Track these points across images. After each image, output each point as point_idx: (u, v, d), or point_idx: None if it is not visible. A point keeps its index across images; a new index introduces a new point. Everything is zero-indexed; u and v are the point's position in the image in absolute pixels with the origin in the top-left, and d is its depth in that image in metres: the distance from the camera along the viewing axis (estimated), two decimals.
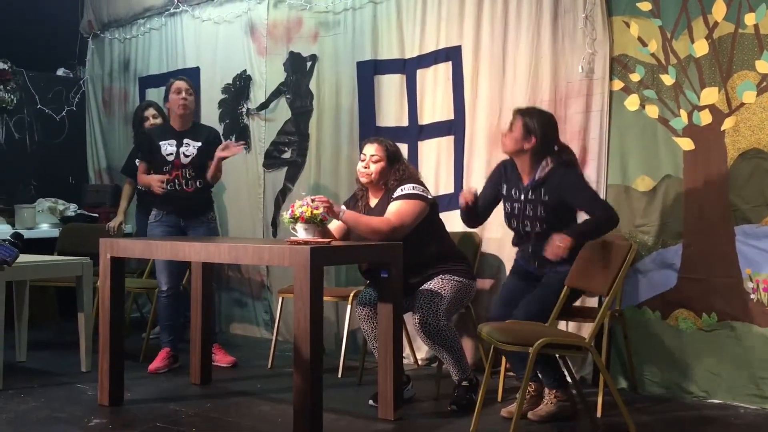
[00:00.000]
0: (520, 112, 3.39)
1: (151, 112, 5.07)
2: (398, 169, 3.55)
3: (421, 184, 3.55)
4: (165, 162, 4.25)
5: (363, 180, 3.59)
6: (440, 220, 3.65)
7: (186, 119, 4.31)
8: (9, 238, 2.66)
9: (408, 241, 3.35)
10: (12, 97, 5.89)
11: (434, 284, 3.45)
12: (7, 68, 5.84)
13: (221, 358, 4.29)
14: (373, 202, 3.59)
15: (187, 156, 4.25)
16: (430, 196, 3.53)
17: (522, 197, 3.37)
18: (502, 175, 3.49)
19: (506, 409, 3.33)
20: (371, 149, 3.56)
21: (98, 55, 6.35)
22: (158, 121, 5.06)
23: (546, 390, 3.28)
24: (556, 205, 3.29)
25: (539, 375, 3.29)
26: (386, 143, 3.59)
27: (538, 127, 3.31)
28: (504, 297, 3.47)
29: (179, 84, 4.27)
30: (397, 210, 3.41)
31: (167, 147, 4.26)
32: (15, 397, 3.61)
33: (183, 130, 4.30)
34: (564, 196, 3.27)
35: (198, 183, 4.26)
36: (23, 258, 4.16)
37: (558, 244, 3.15)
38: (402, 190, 3.46)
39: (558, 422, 3.21)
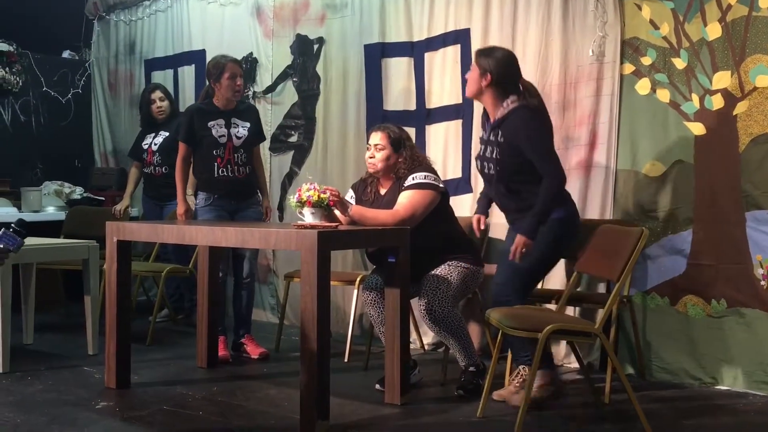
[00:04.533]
0: (477, 52, 3.36)
1: (158, 94, 5.06)
2: (407, 156, 3.50)
3: (433, 171, 3.51)
4: (216, 144, 4.01)
5: (370, 170, 3.57)
6: (450, 207, 3.61)
7: (231, 99, 4.09)
8: (13, 225, 2.61)
9: (417, 228, 3.33)
10: (18, 79, 5.87)
11: (441, 270, 3.43)
12: (12, 50, 5.81)
13: (252, 350, 4.12)
14: (383, 190, 3.57)
15: (239, 138, 4.05)
16: (441, 185, 3.49)
17: (486, 137, 3.33)
18: (482, 122, 3.45)
19: (497, 392, 3.25)
20: (375, 138, 3.54)
21: (104, 37, 6.31)
22: (165, 103, 5.05)
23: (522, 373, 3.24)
24: (510, 149, 3.20)
25: (524, 355, 3.22)
26: (389, 130, 3.54)
27: (493, 64, 3.24)
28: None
29: (235, 69, 4.01)
30: (408, 201, 3.37)
31: (216, 128, 4.02)
32: (22, 379, 3.62)
33: (229, 109, 4.07)
34: (517, 140, 3.17)
35: (248, 169, 4.09)
36: (30, 241, 4.16)
37: (519, 251, 3.16)
38: (414, 178, 3.42)
39: (556, 403, 3.20)
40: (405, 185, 3.43)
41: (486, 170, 3.33)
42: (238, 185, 4.09)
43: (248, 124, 4.12)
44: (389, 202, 3.46)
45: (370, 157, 3.54)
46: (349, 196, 3.65)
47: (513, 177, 3.23)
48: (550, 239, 3.19)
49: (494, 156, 3.25)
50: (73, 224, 5.19)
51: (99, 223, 4.94)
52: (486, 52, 3.32)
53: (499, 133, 3.22)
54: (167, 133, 4.98)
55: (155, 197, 5.10)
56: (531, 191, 3.20)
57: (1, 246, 2.57)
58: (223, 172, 4.04)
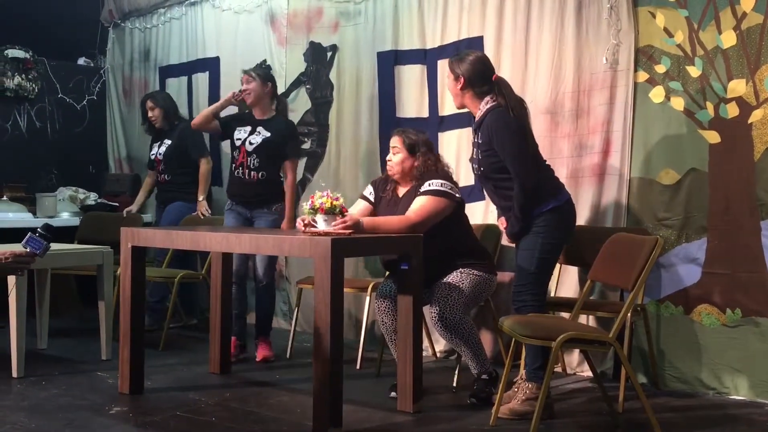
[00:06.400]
0: (451, 59, 3.41)
1: (149, 104, 5.17)
2: (423, 161, 3.50)
3: (451, 179, 3.52)
4: (234, 147, 4.26)
5: (389, 172, 3.60)
6: (465, 216, 3.62)
7: (263, 108, 4.24)
8: (39, 230, 2.65)
9: (430, 235, 3.33)
10: (33, 86, 5.92)
11: (453, 278, 3.43)
12: (28, 57, 5.86)
13: (259, 352, 4.20)
14: (402, 191, 3.59)
15: (252, 144, 4.18)
16: (458, 195, 3.50)
17: (473, 140, 3.40)
18: (473, 126, 3.47)
19: (503, 407, 3.14)
20: (392, 141, 3.58)
21: (119, 44, 6.36)
22: (155, 112, 5.12)
23: (520, 381, 3.24)
24: (488, 150, 3.24)
25: (526, 361, 3.24)
26: (405, 134, 3.57)
27: (463, 68, 3.30)
28: None
29: (244, 77, 4.26)
30: (420, 206, 3.38)
31: (240, 132, 4.24)
32: (36, 384, 3.64)
33: (261, 119, 4.25)
34: (490, 141, 3.22)
35: (261, 175, 4.17)
36: None
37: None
38: (430, 185, 3.43)
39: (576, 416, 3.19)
40: (420, 191, 3.44)
41: (475, 171, 3.40)
42: (248, 189, 4.19)
43: (269, 134, 4.19)
44: (405, 204, 3.48)
45: (388, 160, 3.59)
46: (368, 192, 3.69)
47: (494, 175, 3.28)
48: (548, 232, 3.21)
49: (477, 157, 3.31)
50: (87, 230, 5.22)
51: (113, 229, 4.95)
52: (456, 58, 3.38)
53: (479, 134, 3.29)
54: (170, 141, 5.04)
55: (161, 202, 5.20)
56: (512, 189, 3.23)
57: (29, 250, 2.60)
58: (237, 173, 4.24)
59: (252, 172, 4.18)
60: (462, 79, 3.29)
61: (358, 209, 3.60)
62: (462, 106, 3.41)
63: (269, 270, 4.24)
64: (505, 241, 4.08)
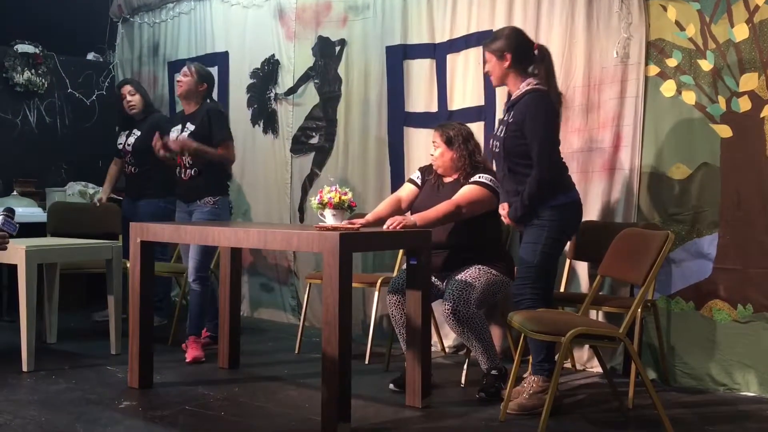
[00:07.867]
0: (484, 44, 3.38)
1: (127, 89, 4.97)
2: (463, 154, 3.54)
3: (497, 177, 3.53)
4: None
5: (434, 167, 3.65)
6: (500, 218, 3.62)
7: (190, 104, 4.19)
8: (7, 214, 2.73)
9: (464, 222, 3.41)
10: (43, 81, 5.93)
11: (470, 273, 3.42)
12: (38, 52, 5.88)
13: (189, 352, 4.05)
14: (447, 180, 3.64)
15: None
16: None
17: (502, 117, 3.38)
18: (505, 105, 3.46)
19: (512, 403, 3.13)
20: (433, 136, 3.64)
21: (128, 39, 6.37)
22: (135, 98, 4.94)
23: (528, 375, 3.23)
24: (516, 130, 3.21)
25: (539, 361, 3.21)
26: (443, 129, 3.62)
27: (506, 44, 3.26)
28: None
29: (183, 69, 4.20)
30: (468, 192, 3.45)
31: (173, 133, 4.17)
32: (46, 378, 3.65)
33: (188, 113, 4.20)
34: (522, 122, 3.18)
35: (194, 171, 4.12)
36: (54, 241, 4.21)
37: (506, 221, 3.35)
38: (481, 177, 3.50)
39: (583, 410, 3.17)
40: (471, 180, 3.50)
41: (494, 148, 3.38)
42: (185, 186, 4.18)
43: (193, 126, 4.13)
44: (448, 193, 3.53)
45: (431, 155, 3.65)
46: (416, 176, 3.76)
47: (514, 158, 3.25)
48: (553, 227, 3.20)
49: (501, 135, 3.29)
50: (55, 222, 4.96)
51: (82, 220, 4.91)
52: (492, 38, 3.35)
53: (511, 113, 3.26)
54: (139, 133, 4.89)
55: (130, 195, 5.04)
56: (528, 175, 3.20)
57: (12, 233, 2.70)
58: (177, 172, 4.20)
59: (187, 170, 4.14)
60: (509, 56, 3.26)
61: (405, 192, 3.70)
62: (501, 84, 3.37)
63: (200, 269, 4.12)
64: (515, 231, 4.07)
